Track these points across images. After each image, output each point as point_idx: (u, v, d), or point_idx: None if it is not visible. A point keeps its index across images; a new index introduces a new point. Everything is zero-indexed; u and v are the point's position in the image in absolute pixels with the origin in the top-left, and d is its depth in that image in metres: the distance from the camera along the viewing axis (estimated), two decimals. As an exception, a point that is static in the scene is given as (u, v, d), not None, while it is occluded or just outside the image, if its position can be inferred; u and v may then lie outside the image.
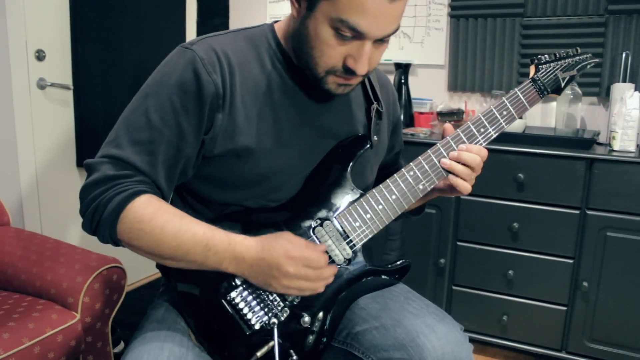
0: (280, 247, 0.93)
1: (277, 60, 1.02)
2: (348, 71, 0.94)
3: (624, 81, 2.23)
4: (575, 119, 2.28)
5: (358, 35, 0.89)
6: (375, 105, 1.11)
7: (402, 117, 2.49)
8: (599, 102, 2.41)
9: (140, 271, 2.86)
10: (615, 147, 2.03)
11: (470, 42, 2.56)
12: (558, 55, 1.10)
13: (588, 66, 1.12)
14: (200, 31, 2.99)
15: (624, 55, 2.23)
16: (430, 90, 2.70)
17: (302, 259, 0.94)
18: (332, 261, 1.02)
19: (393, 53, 2.73)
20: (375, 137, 1.10)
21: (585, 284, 2.03)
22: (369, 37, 0.90)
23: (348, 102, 1.09)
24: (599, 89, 2.36)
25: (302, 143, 1.04)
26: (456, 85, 2.63)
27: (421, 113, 2.57)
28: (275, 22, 1.07)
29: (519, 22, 2.45)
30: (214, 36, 1.01)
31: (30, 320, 1.43)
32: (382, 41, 0.93)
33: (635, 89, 2.13)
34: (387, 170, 1.31)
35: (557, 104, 2.34)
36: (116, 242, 0.95)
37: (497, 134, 1.06)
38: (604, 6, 2.29)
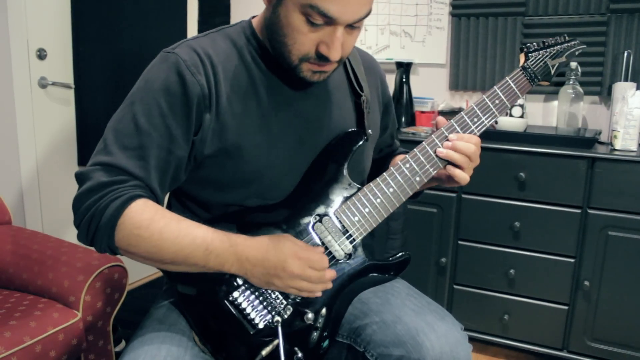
0: (287, 247, 0.94)
1: (258, 56, 1.03)
2: (321, 58, 0.94)
3: (626, 80, 2.22)
4: (576, 118, 2.27)
5: (329, 20, 0.89)
6: (364, 97, 1.12)
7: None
8: (600, 101, 2.40)
9: (141, 270, 2.86)
10: (617, 146, 2.03)
11: (471, 41, 2.56)
12: (546, 43, 1.12)
13: (576, 52, 1.14)
14: (201, 30, 2.99)
15: (625, 54, 2.23)
16: (431, 89, 2.70)
17: (307, 260, 0.95)
18: (332, 257, 1.02)
19: (394, 52, 2.73)
20: (370, 131, 1.11)
21: (586, 283, 2.03)
22: (340, 22, 0.90)
23: (333, 92, 1.09)
24: (600, 88, 2.35)
25: (292, 137, 1.04)
26: (457, 84, 2.63)
27: (422, 112, 2.57)
28: (254, 17, 1.07)
29: (521, 21, 2.45)
30: (195, 39, 1.02)
31: (32, 319, 1.44)
32: (353, 26, 0.93)
33: (637, 88, 2.13)
34: (383, 152, 1.32)
35: (558, 102, 2.33)
36: (114, 251, 0.93)
37: (490, 123, 1.07)
38: (605, 5, 2.28)
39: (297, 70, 0.97)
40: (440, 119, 1.08)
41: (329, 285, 1.01)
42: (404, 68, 2.55)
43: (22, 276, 1.63)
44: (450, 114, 2.42)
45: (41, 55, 2.20)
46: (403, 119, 2.53)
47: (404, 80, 2.54)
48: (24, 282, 1.63)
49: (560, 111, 2.32)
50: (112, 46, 2.41)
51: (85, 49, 2.31)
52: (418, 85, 2.69)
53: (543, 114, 2.52)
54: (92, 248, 0.95)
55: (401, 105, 2.53)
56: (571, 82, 2.24)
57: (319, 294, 1.00)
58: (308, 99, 1.06)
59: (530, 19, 2.43)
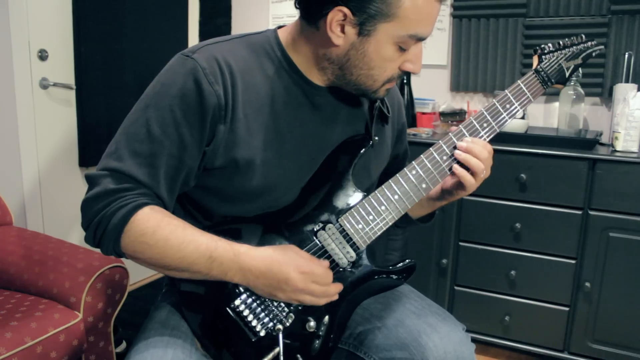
0: (291, 261, 0.93)
1: (284, 70, 1.00)
2: (404, 73, 0.98)
3: (627, 81, 2.22)
4: (577, 120, 2.27)
5: (418, 41, 0.93)
6: (378, 104, 1.09)
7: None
8: (601, 102, 2.40)
9: (142, 271, 2.86)
10: (618, 148, 2.03)
11: (472, 42, 2.56)
12: (562, 44, 1.07)
13: (593, 54, 1.09)
14: (202, 31, 2.99)
15: (626, 56, 2.23)
16: (432, 90, 2.70)
17: (311, 275, 0.94)
18: (336, 265, 1.01)
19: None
20: (376, 137, 1.08)
21: (587, 284, 2.03)
22: (424, 39, 0.94)
23: (353, 111, 1.08)
24: (601, 89, 2.35)
25: (304, 155, 1.02)
26: (458, 85, 2.63)
27: (423, 113, 2.57)
28: (279, 27, 1.04)
29: (522, 22, 2.45)
30: (215, 43, 0.99)
31: (33, 320, 1.44)
32: None
33: (638, 89, 2.13)
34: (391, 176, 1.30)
35: (559, 104, 2.33)
36: (120, 255, 0.94)
37: (500, 129, 1.05)
38: (606, 6, 2.28)
39: (375, 93, 0.99)
40: (454, 128, 1.05)
41: (334, 298, 1.00)
42: (405, 69, 2.55)
43: (23, 277, 1.63)
44: (451, 115, 2.42)
45: (42, 56, 2.20)
46: (406, 126, 2.52)
47: (404, 81, 2.53)
48: (25, 283, 1.63)
49: (561, 112, 2.32)
50: (113, 47, 2.41)
51: (86, 50, 2.31)
52: (419, 87, 2.69)
53: (544, 115, 2.52)
54: (97, 249, 0.96)
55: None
56: (572, 83, 2.24)
57: (323, 304, 0.99)
58: (325, 119, 1.04)
59: (531, 20, 2.43)
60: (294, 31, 1.00)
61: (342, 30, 0.91)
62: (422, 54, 0.96)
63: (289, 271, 0.92)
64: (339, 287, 0.99)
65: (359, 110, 1.09)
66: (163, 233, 0.90)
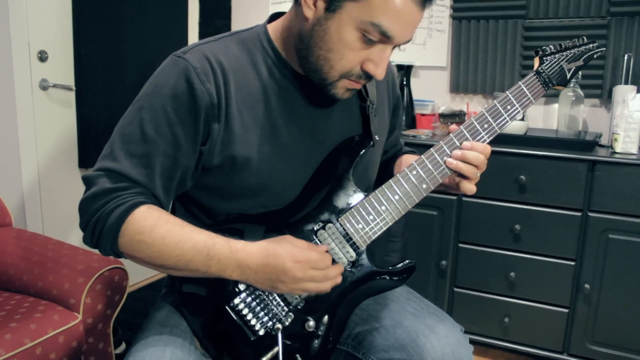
0: (285, 251, 0.93)
1: (274, 65, 1.00)
2: (364, 75, 0.93)
3: (626, 83, 2.22)
4: (577, 121, 2.27)
5: (385, 39, 0.89)
6: (369, 102, 1.09)
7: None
8: (601, 104, 2.40)
9: (141, 272, 2.86)
10: (617, 149, 2.03)
11: (472, 43, 2.56)
12: (563, 46, 1.07)
13: (595, 55, 1.09)
14: (202, 33, 3.00)
15: (626, 57, 2.22)
16: (432, 91, 2.70)
17: (308, 262, 0.93)
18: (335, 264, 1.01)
19: (395, 54, 2.70)
20: (376, 137, 1.08)
21: (587, 286, 2.03)
22: (395, 42, 0.90)
23: (346, 106, 1.08)
24: (601, 90, 2.35)
25: (301, 149, 1.02)
26: (458, 86, 2.63)
27: (423, 115, 2.57)
28: (269, 21, 1.04)
29: (521, 23, 2.45)
30: (206, 43, 0.99)
31: (32, 321, 1.44)
32: (397, 47, 0.93)
33: (638, 91, 2.13)
34: (388, 153, 1.30)
35: (559, 105, 2.34)
36: (118, 254, 0.94)
37: (501, 130, 1.04)
38: (606, 8, 2.28)
39: (332, 86, 0.95)
40: (453, 127, 1.04)
41: (338, 280, 0.99)
42: (405, 71, 2.55)
43: (23, 278, 1.63)
44: (450, 116, 2.42)
45: (42, 57, 2.20)
46: (404, 122, 2.53)
47: (404, 82, 2.54)
48: (24, 284, 1.63)
49: (560, 114, 2.32)
50: (113, 48, 2.41)
51: (86, 51, 2.31)
52: (419, 88, 2.70)
53: (544, 116, 2.52)
54: (96, 250, 0.96)
55: (402, 108, 2.53)
56: (572, 85, 2.24)
57: (329, 289, 0.98)
58: (319, 112, 1.04)
59: (530, 22, 2.44)
60: (284, 20, 1.00)
61: (315, 4, 0.90)
62: (388, 60, 0.92)
63: (285, 262, 0.92)
64: (339, 268, 0.99)
65: (352, 99, 1.08)
66: (160, 231, 0.91)
